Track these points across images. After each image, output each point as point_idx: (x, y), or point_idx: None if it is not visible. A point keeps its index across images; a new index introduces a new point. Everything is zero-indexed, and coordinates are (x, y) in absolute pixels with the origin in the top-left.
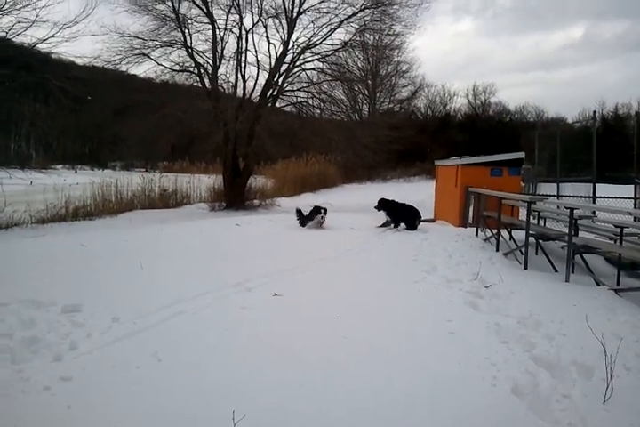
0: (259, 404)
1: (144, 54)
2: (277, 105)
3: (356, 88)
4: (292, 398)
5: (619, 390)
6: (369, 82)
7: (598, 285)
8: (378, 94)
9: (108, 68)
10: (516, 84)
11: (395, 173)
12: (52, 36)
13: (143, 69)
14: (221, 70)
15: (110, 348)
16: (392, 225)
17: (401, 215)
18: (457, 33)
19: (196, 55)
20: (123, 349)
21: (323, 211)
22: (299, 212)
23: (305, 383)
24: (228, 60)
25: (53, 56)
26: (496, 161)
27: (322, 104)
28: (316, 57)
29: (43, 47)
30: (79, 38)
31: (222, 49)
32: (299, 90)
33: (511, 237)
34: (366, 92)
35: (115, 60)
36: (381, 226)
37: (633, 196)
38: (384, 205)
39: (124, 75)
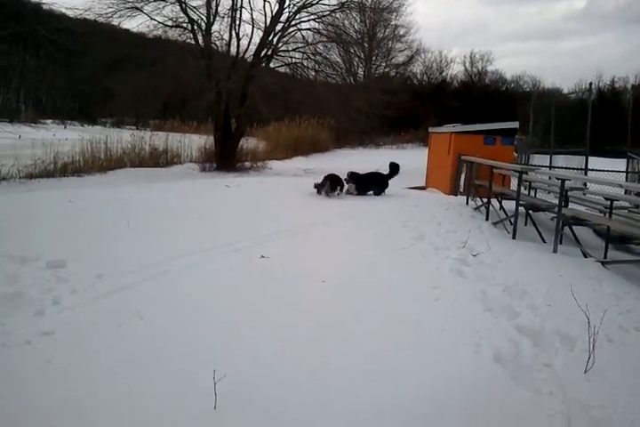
0: (240, 365)
1: (137, 8)
2: (271, 65)
3: (352, 51)
4: (273, 361)
5: (600, 361)
6: (365, 45)
7: (586, 256)
8: (374, 58)
9: (99, 22)
10: (516, 54)
11: (388, 139)
12: None
13: (136, 24)
14: (215, 27)
15: (93, 304)
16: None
17: (367, 184)
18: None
19: (189, 10)
20: (106, 306)
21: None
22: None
23: (287, 346)
24: (223, 17)
25: (44, 7)
26: (490, 130)
27: (317, 66)
28: (313, 17)
29: None
30: None
31: (217, 5)
32: (294, 50)
33: (501, 207)
34: (362, 56)
35: (107, 14)
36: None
37: (625, 169)
38: (353, 177)
39: (117, 29)
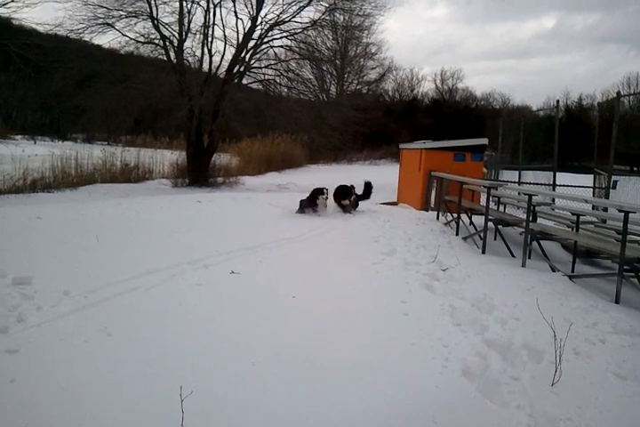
0: (207, 381)
1: (108, 24)
2: (244, 82)
3: (325, 68)
4: (241, 377)
5: (567, 373)
6: (337, 62)
7: (553, 271)
8: (346, 75)
9: (71, 37)
10: (487, 72)
11: (360, 155)
12: (12, 1)
13: (107, 40)
14: (187, 44)
15: (59, 321)
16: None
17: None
18: (431, 18)
19: (161, 27)
20: (72, 322)
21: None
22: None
23: (256, 362)
24: (195, 34)
25: (15, 22)
26: (459, 146)
27: (289, 83)
28: (285, 34)
29: (2, 12)
30: (40, 4)
31: (189, 22)
32: (266, 67)
33: (471, 222)
34: (334, 73)
35: (78, 29)
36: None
37: (592, 185)
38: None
39: (88, 44)
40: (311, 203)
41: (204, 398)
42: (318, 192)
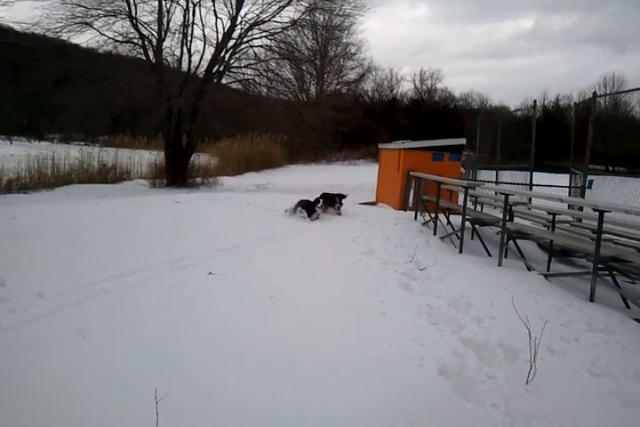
0: (182, 383)
1: (86, 23)
2: (223, 81)
3: (304, 68)
4: (216, 377)
5: (542, 371)
6: (317, 62)
7: (529, 270)
8: (326, 75)
9: (48, 37)
10: (467, 72)
11: (340, 155)
12: None
13: (85, 39)
14: (166, 43)
15: (34, 324)
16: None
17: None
18: (412, 18)
19: (140, 26)
20: (46, 325)
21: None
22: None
23: (231, 363)
24: (174, 33)
25: None
26: (438, 146)
27: (269, 82)
28: (265, 34)
29: None
30: (17, 3)
31: (168, 21)
32: (246, 67)
33: (449, 222)
34: (314, 73)
35: (55, 28)
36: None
37: (568, 184)
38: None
39: (66, 43)
40: (310, 207)
41: (179, 401)
42: (320, 200)
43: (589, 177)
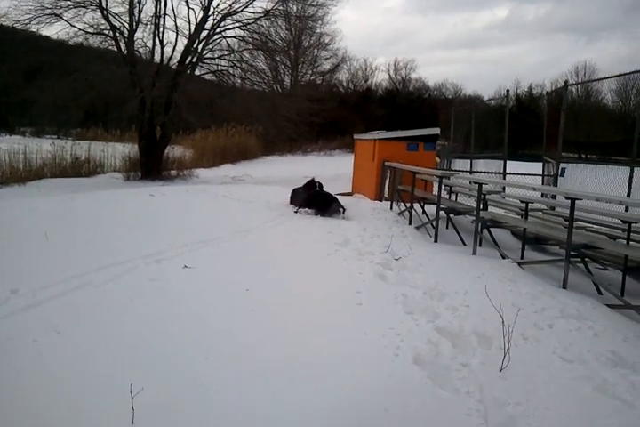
0: (158, 377)
1: (56, 14)
2: (197, 73)
3: (278, 58)
4: (193, 372)
5: (516, 358)
6: (291, 53)
7: (503, 258)
8: (300, 66)
9: (17, 28)
10: (442, 62)
11: (316, 146)
12: None
13: (55, 30)
14: (138, 34)
15: (7, 321)
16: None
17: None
18: (387, 8)
19: (111, 18)
20: (20, 321)
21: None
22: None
23: (210, 356)
24: (146, 25)
25: None
26: (412, 136)
27: (243, 73)
28: (238, 25)
29: None
30: None
31: (139, 12)
32: (219, 58)
33: (424, 211)
34: (288, 63)
35: (24, 20)
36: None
37: (541, 173)
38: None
39: (35, 35)
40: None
41: (155, 395)
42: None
43: (562, 165)
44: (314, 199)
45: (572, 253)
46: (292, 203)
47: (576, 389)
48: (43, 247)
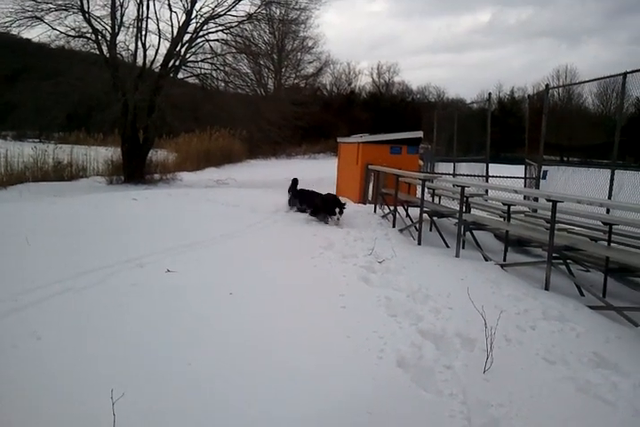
0: (138, 383)
1: (37, 17)
2: (180, 76)
3: (262, 62)
4: (174, 378)
5: (499, 360)
6: (274, 56)
7: (486, 260)
8: (283, 69)
9: None
10: (426, 66)
11: (300, 149)
12: None
13: (36, 33)
14: (120, 38)
15: None
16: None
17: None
18: (371, 13)
19: (93, 21)
20: (0, 327)
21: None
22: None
23: (193, 362)
24: (128, 28)
25: None
26: (395, 139)
27: (226, 77)
28: (221, 28)
29: None
30: None
31: (122, 15)
32: (202, 61)
33: (407, 214)
34: (272, 67)
35: (5, 23)
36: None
37: (523, 175)
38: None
39: (16, 38)
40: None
41: (136, 401)
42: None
43: (544, 168)
44: (326, 204)
45: (554, 255)
46: (292, 205)
47: (559, 390)
48: (24, 252)
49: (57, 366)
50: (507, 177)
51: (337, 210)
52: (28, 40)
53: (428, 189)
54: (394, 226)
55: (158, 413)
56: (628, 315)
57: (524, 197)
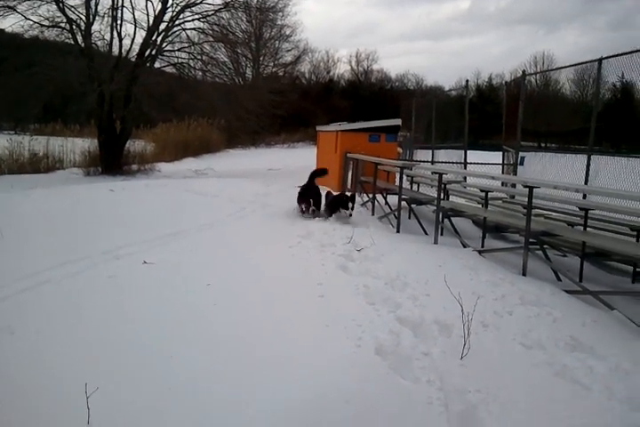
0: (113, 376)
1: (9, 7)
2: (157, 65)
3: (239, 51)
4: (149, 371)
5: (476, 346)
6: (252, 45)
7: (464, 246)
8: (262, 58)
9: None
10: (405, 53)
11: (279, 138)
12: None
13: (9, 23)
14: (95, 27)
15: None
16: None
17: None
18: (349, 1)
19: (67, 10)
20: None
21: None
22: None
23: (175, 355)
24: (103, 17)
25: None
26: (374, 127)
27: (204, 66)
28: (197, 17)
29: None
30: None
31: (96, 4)
32: (179, 50)
33: (386, 202)
34: (250, 56)
35: None
36: None
37: (500, 162)
38: None
39: None
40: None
41: (111, 395)
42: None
43: (521, 154)
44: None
45: (531, 240)
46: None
47: (536, 374)
48: None
49: (30, 360)
50: (485, 164)
51: (350, 205)
52: (1, 30)
53: (407, 176)
54: (373, 214)
55: (131, 408)
56: (604, 299)
57: (502, 184)
